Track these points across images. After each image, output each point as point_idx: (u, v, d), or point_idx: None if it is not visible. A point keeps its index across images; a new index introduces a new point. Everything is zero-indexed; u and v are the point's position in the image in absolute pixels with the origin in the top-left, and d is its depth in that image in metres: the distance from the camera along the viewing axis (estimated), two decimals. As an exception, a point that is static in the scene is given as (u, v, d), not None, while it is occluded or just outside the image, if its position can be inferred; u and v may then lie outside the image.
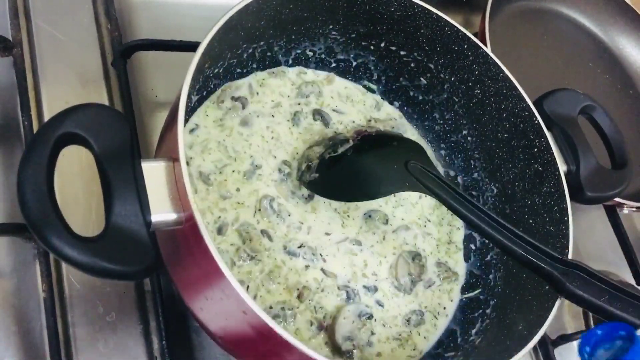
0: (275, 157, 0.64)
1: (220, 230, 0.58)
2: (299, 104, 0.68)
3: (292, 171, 0.63)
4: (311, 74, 0.71)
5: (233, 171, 0.61)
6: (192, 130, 0.62)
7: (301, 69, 0.71)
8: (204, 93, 0.63)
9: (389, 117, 0.73)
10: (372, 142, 0.64)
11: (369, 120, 0.71)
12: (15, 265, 0.58)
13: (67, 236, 0.42)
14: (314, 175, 0.61)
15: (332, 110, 0.70)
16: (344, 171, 0.61)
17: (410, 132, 0.74)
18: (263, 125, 0.65)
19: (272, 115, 0.66)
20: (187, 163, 0.59)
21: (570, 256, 0.57)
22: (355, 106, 0.72)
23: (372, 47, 0.70)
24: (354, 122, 0.70)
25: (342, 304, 0.59)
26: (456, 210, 0.56)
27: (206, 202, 0.58)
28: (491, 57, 0.65)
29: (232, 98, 0.65)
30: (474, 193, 0.71)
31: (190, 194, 0.44)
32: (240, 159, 0.62)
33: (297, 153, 0.65)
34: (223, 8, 0.53)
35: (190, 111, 0.62)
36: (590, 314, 0.81)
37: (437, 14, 0.65)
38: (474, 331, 0.62)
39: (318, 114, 0.68)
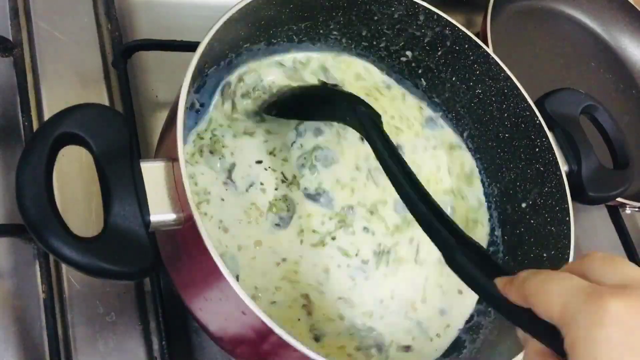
0: None
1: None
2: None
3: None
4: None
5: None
6: None
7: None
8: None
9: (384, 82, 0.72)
10: (335, 89, 0.66)
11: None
12: (15, 266, 0.58)
13: (66, 236, 0.41)
14: (273, 99, 0.62)
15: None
16: (299, 96, 0.63)
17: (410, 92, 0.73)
18: None
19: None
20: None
21: (572, 256, 0.57)
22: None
23: (372, 48, 0.70)
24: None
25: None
26: (385, 165, 0.53)
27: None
28: (492, 57, 0.65)
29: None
30: (475, 193, 0.71)
31: (190, 195, 0.44)
32: None
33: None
34: (223, 8, 0.53)
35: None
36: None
37: (438, 14, 0.65)
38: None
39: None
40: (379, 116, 0.60)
